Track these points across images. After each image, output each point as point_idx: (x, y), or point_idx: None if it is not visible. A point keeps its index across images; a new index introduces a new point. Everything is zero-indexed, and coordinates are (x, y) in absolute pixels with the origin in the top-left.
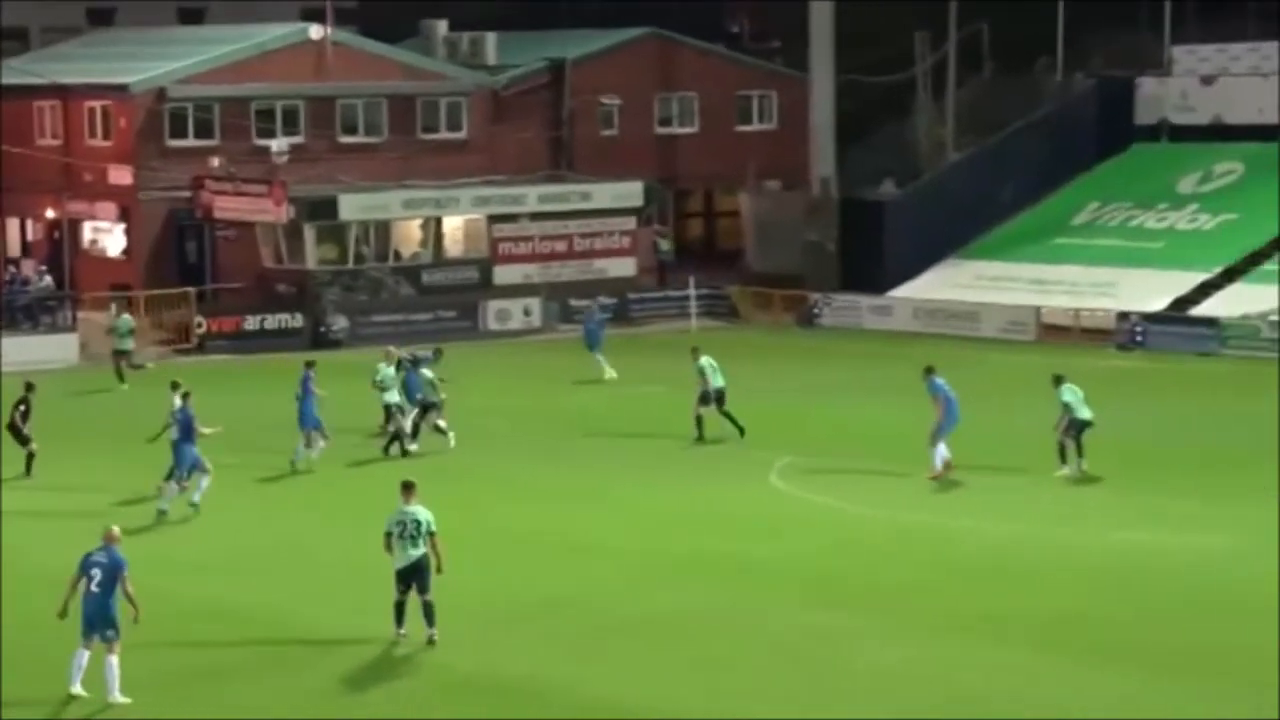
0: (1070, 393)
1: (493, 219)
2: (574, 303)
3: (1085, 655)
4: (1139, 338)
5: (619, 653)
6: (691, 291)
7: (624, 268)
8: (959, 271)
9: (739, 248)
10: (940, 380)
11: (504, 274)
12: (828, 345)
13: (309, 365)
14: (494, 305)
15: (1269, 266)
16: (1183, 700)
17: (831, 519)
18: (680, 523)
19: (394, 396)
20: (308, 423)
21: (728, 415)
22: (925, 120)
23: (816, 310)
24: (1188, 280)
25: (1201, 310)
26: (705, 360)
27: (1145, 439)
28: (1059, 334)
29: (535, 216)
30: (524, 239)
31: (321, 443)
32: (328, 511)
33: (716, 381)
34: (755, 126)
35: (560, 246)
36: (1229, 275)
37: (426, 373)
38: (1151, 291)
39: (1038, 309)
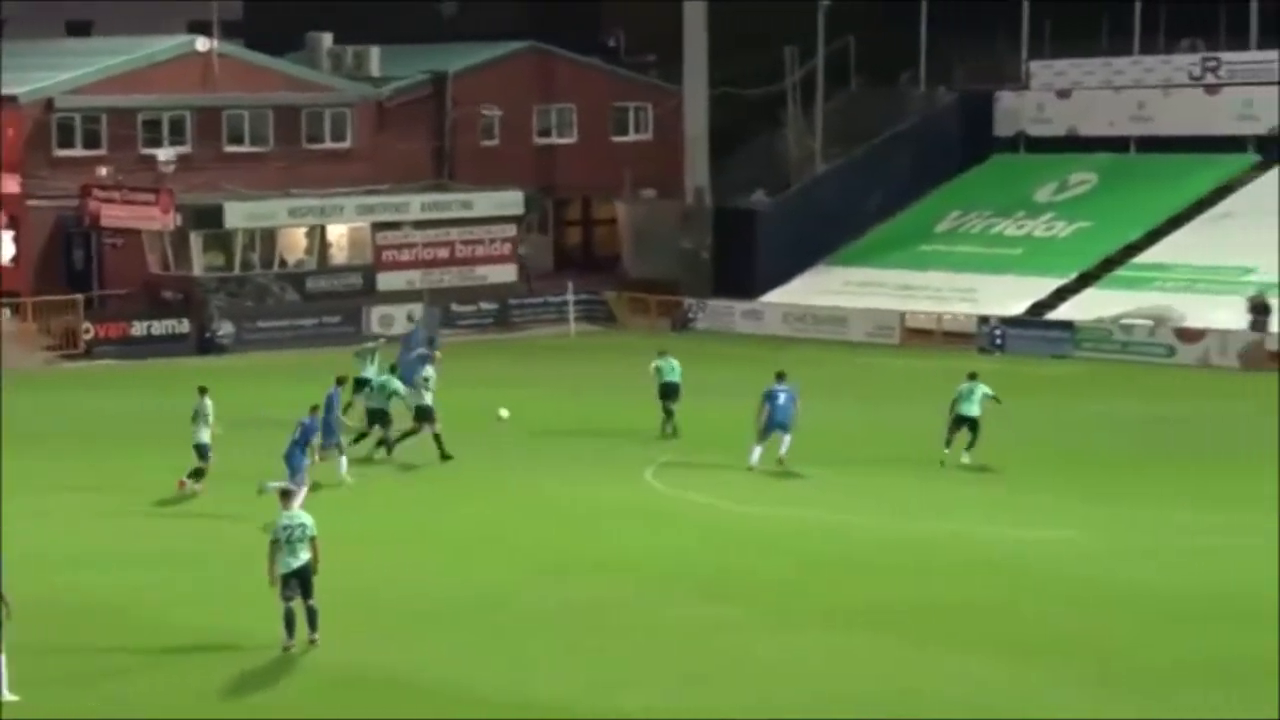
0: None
1: (376, 227)
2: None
3: (955, 644)
4: (998, 341)
5: (503, 648)
6: (570, 297)
7: (505, 274)
8: (828, 277)
9: (616, 255)
10: (780, 387)
11: (387, 280)
12: (702, 348)
13: (339, 381)
14: (378, 311)
15: (1121, 272)
16: (1042, 686)
17: (707, 516)
18: (558, 521)
19: (428, 398)
20: (332, 438)
21: (669, 413)
22: (795, 131)
23: (691, 315)
24: (1044, 286)
25: (1057, 314)
26: (658, 361)
27: (1006, 438)
28: (923, 337)
29: (418, 224)
30: (407, 246)
31: (343, 458)
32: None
33: (666, 378)
34: (631, 137)
35: (443, 253)
36: (1083, 281)
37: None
38: (1010, 296)
39: (903, 313)
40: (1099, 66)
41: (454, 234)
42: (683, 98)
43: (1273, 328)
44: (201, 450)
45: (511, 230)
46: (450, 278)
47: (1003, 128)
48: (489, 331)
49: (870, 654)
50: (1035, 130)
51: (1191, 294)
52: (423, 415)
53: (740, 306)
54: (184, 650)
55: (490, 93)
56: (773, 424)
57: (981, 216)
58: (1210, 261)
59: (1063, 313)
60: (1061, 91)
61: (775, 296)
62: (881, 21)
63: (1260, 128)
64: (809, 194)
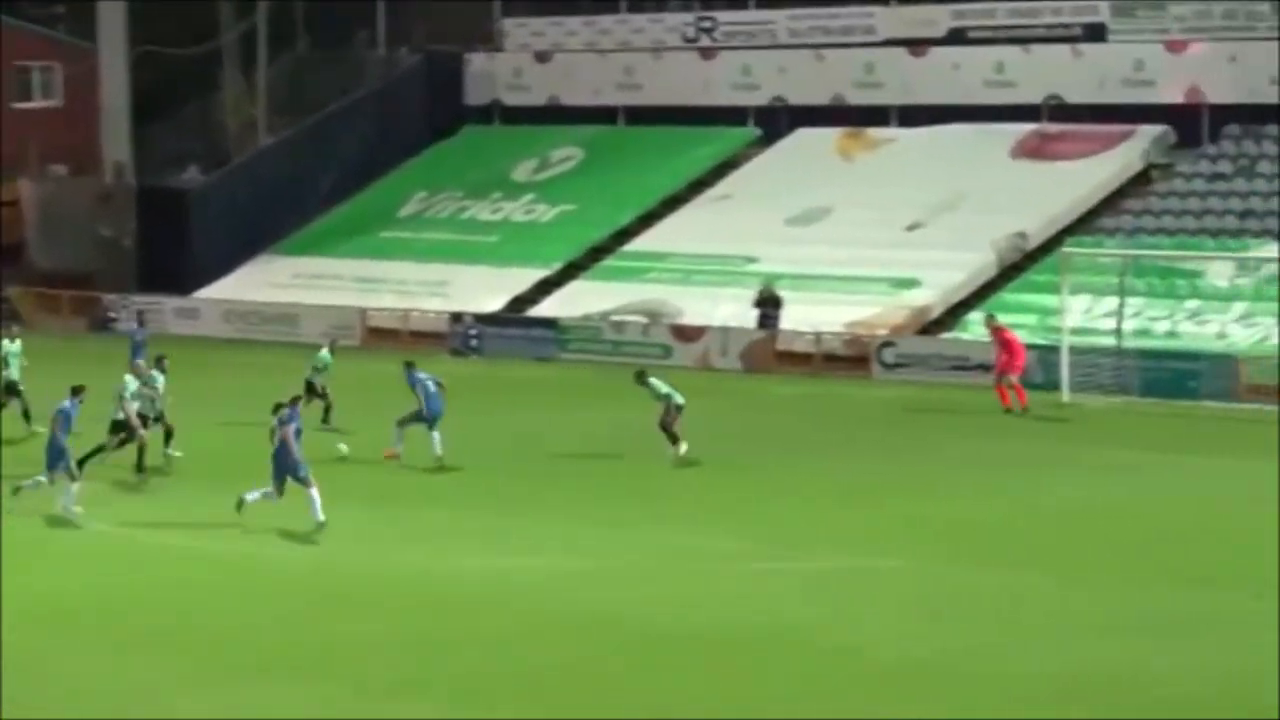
0: (662, 383)
1: None
2: None
3: (395, 688)
4: (474, 341)
5: None
6: None
7: None
8: (275, 269)
9: (19, 242)
10: (421, 374)
11: None
12: (125, 354)
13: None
14: None
15: (611, 262)
16: None
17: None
18: None
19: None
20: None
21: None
22: (234, 98)
23: (112, 314)
24: (525, 278)
25: (540, 310)
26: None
27: (485, 453)
28: (387, 338)
29: None
30: None
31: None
32: None
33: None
34: (37, 103)
35: None
36: (569, 272)
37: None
38: (486, 290)
39: (363, 310)
40: (581, 26)
41: None
42: (98, 57)
43: (783, 324)
44: None
45: None
46: None
47: (474, 95)
48: None
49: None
50: (511, 99)
51: (690, 286)
52: None
53: (172, 303)
54: None
55: None
56: (427, 416)
57: (452, 198)
58: (710, 249)
59: (546, 309)
60: (540, 54)
61: (213, 292)
62: None
63: (761, 98)
64: (251, 171)
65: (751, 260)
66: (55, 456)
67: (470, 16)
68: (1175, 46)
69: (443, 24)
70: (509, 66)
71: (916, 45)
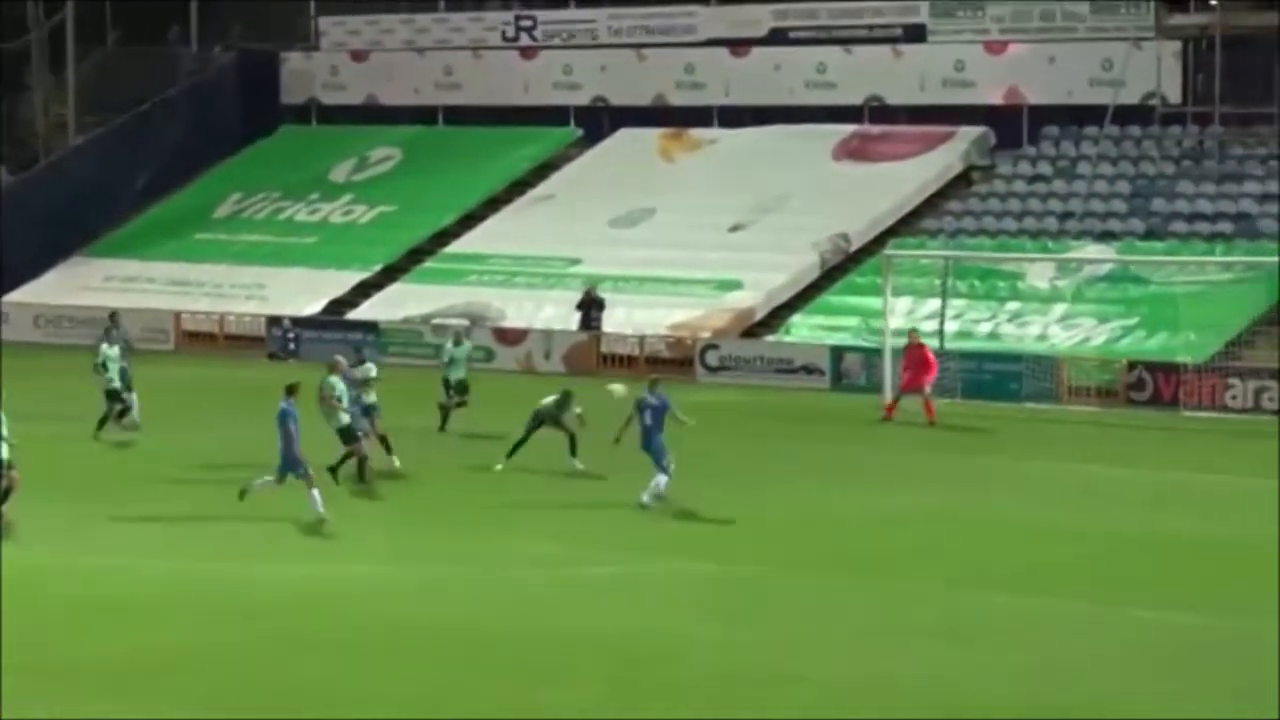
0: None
1: None
2: None
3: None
4: (292, 345)
5: None
6: None
7: None
8: (86, 271)
9: None
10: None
11: None
12: None
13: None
14: None
15: (431, 264)
16: None
17: None
18: None
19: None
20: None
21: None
22: (43, 96)
23: None
24: (344, 280)
25: (359, 314)
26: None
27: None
28: (203, 342)
29: None
30: None
31: None
32: None
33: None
34: None
35: None
36: (388, 274)
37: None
38: (305, 293)
39: (177, 314)
40: (399, 25)
41: None
42: None
43: (606, 327)
44: None
45: None
46: None
47: (291, 95)
48: None
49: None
50: (329, 98)
51: (512, 289)
52: None
53: None
54: None
55: None
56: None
57: (269, 199)
58: (532, 251)
59: (365, 312)
60: (357, 53)
61: (22, 295)
62: None
63: (582, 97)
64: (61, 171)
65: (574, 262)
66: None
67: (286, 14)
68: (994, 48)
69: (257, 21)
70: (326, 65)
71: (738, 45)
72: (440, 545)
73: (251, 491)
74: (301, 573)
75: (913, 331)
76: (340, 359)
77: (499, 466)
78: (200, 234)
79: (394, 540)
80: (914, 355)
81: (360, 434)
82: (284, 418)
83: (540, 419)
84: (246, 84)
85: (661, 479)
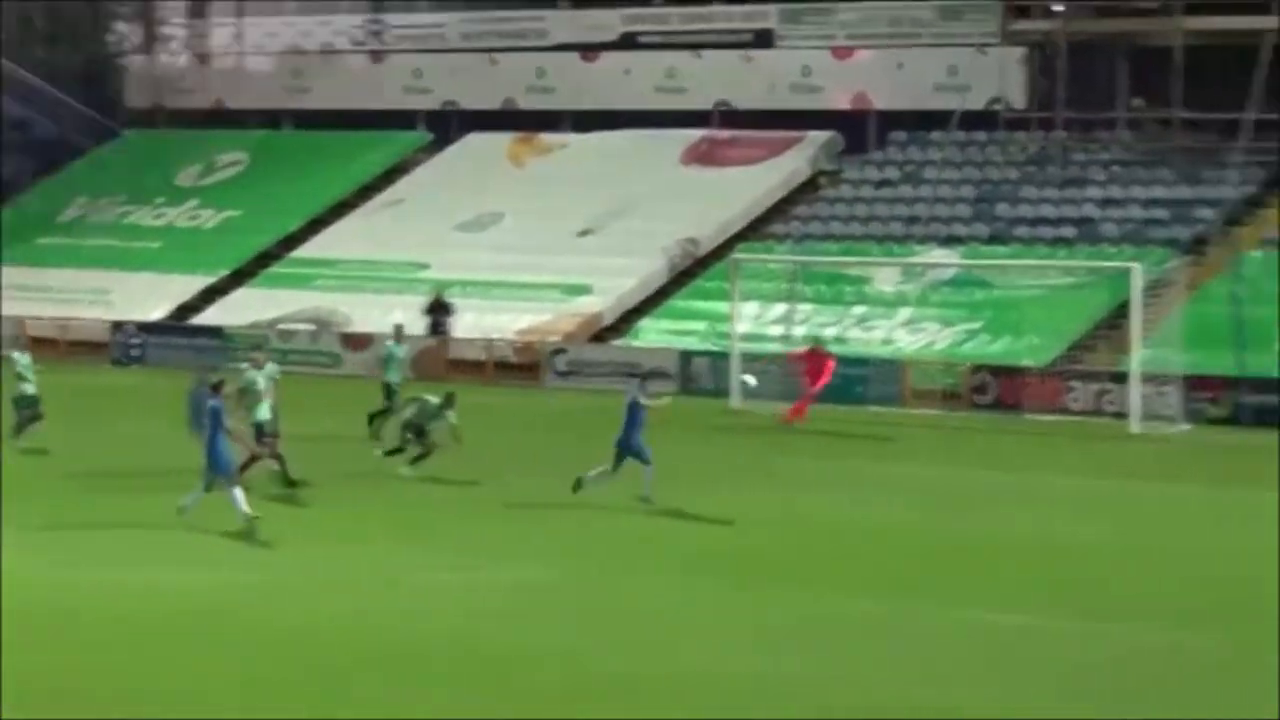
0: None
1: None
2: None
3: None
4: (135, 351)
5: None
6: None
7: None
8: None
9: None
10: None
11: None
12: None
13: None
14: None
15: (278, 269)
16: None
17: None
18: None
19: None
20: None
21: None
22: None
23: None
24: (189, 285)
25: (205, 319)
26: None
27: (147, 467)
28: (46, 347)
29: None
30: None
31: None
32: None
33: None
34: None
35: None
36: (235, 279)
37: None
38: (150, 298)
39: (21, 319)
40: (248, 28)
41: None
42: None
43: (455, 332)
44: None
45: None
46: None
47: (136, 98)
48: None
49: None
50: (175, 101)
51: (359, 294)
52: None
53: None
54: None
55: None
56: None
57: (114, 203)
58: (380, 256)
59: (211, 317)
60: (204, 56)
61: None
62: None
63: (432, 101)
64: None
65: (422, 267)
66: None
67: (131, 16)
68: (842, 53)
69: (102, 23)
70: (172, 68)
71: (588, 50)
72: (273, 551)
73: (188, 509)
74: (128, 579)
75: (817, 339)
76: (259, 354)
77: (405, 472)
78: (44, 238)
79: (235, 547)
80: (821, 364)
81: (271, 435)
82: (215, 415)
83: (419, 424)
84: (90, 88)
85: (648, 470)
